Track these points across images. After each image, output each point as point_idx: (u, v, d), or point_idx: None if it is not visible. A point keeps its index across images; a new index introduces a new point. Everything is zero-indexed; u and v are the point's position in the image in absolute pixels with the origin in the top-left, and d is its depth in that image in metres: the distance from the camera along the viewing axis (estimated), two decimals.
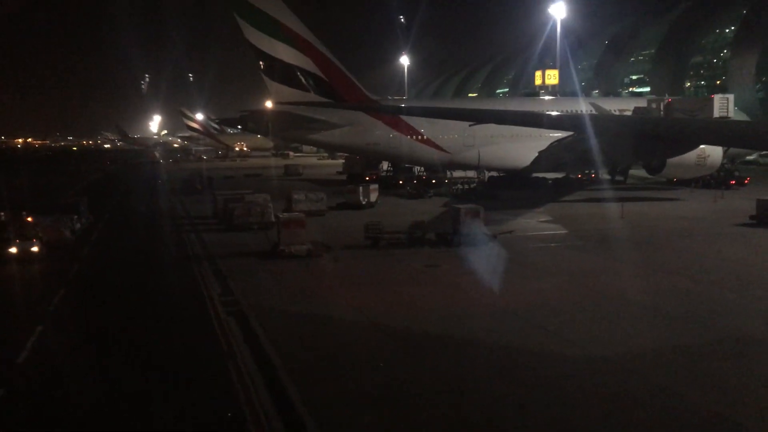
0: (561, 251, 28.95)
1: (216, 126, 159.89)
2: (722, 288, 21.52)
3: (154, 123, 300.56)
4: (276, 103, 54.42)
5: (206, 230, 35.20)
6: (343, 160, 78.94)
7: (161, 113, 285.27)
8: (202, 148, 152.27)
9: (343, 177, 70.97)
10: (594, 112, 50.11)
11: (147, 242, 32.77)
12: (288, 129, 55.26)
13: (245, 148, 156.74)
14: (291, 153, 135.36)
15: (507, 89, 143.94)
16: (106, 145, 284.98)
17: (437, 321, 18.32)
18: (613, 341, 16.35)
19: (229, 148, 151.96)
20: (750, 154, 71.85)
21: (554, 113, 50.24)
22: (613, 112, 51.85)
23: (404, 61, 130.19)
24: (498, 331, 17.33)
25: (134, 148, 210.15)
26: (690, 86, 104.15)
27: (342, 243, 29.87)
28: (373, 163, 66.28)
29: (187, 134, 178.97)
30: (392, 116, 53.48)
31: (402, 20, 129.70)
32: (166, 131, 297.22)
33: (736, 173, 55.99)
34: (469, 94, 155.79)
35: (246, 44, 53.03)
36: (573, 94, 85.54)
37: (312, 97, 52.77)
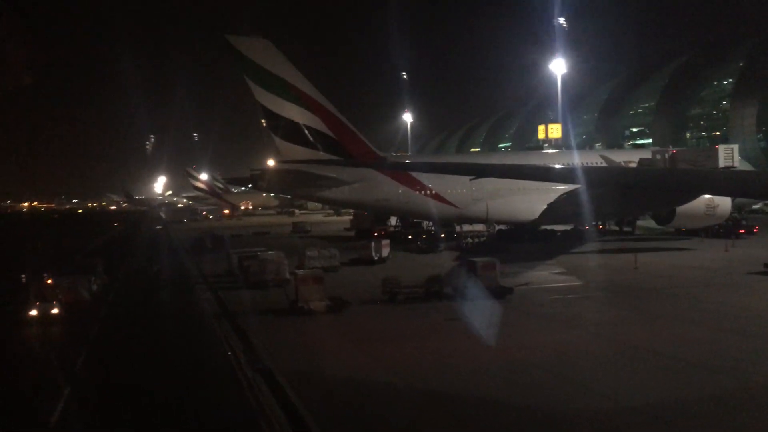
0: (578, 303, 28.98)
1: (221, 185, 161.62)
2: (746, 337, 21.46)
3: (159, 184, 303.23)
4: (284, 161, 55.23)
5: (222, 288, 35.22)
6: (350, 217, 79.72)
7: (166, 174, 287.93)
8: (207, 208, 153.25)
9: (351, 233, 71.50)
10: (604, 164, 50.65)
11: (164, 301, 32.80)
12: (298, 187, 55.90)
13: (250, 207, 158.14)
14: (296, 210, 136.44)
15: (509, 143, 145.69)
16: (111, 207, 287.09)
17: (468, 376, 18.26)
18: (645, 392, 16.27)
19: (235, 206, 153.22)
20: (756, 203, 72.44)
21: (561, 166, 50.92)
22: (622, 164, 52.43)
23: (407, 117, 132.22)
24: (529, 385, 17.27)
25: (139, 209, 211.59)
26: (690, 137, 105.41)
27: (359, 298, 29.91)
28: (381, 218, 66.82)
29: (192, 194, 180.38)
30: (401, 172, 54.13)
31: (405, 76, 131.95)
32: (170, 191, 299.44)
33: (744, 222, 56.25)
34: (472, 149, 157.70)
35: (256, 105, 54.10)
36: (576, 148, 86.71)
37: (321, 155, 53.55)
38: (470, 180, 50.12)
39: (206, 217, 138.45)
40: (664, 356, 19.53)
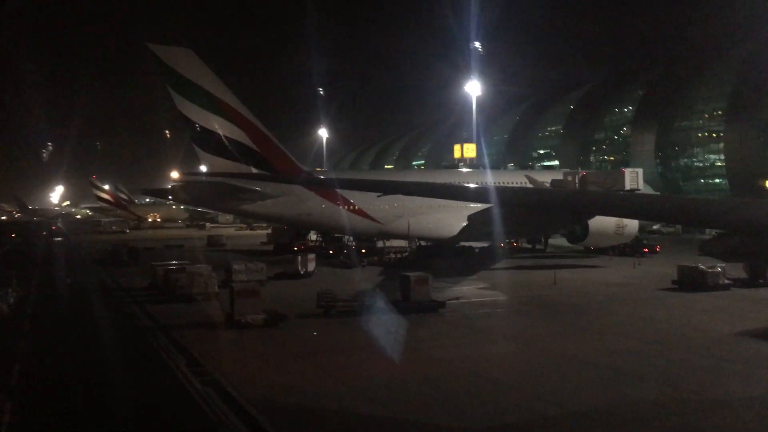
0: (509, 317, 30.15)
1: (125, 196, 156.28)
2: (668, 347, 23.04)
3: (56, 193, 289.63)
4: (205, 173, 54.37)
5: (148, 302, 34.35)
6: (264, 231, 78.86)
7: (64, 183, 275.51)
8: (111, 220, 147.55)
9: (269, 247, 70.96)
10: (529, 183, 52.73)
11: (89, 315, 31.62)
12: (220, 200, 55.00)
13: (158, 219, 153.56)
14: (207, 224, 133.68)
15: (422, 162, 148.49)
16: (2, 217, 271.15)
17: (420, 384, 18.80)
18: (588, 398, 17.26)
19: (142, 219, 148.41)
20: (654, 225, 77.03)
21: (477, 186, 52.54)
22: (545, 183, 54.70)
23: (323, 133, 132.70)
24: (476, 394, 17.93)
25: (34, 220, 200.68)
26: (594, 160, 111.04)
27: (293, 312, 29.91)
28: (301, 233, 66.70)
29: (95, 205, 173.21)
30: (324, 187, 54.33)
31: (321, 92, 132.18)
32: (68, 202, 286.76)
33: (645, 242, 59.81)
34: (386, 166, 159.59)
35: (178, 116, 53.08)
36: (489, 168, 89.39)
37: (244, 167, 53.04)
38: (378, 196, 50.64)
39: (111, 229, 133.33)
40: (599, 366, 20.70)
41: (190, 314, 30.37)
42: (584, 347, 23.37)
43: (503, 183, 59.04)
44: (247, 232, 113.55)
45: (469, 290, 37.27)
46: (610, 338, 24.98)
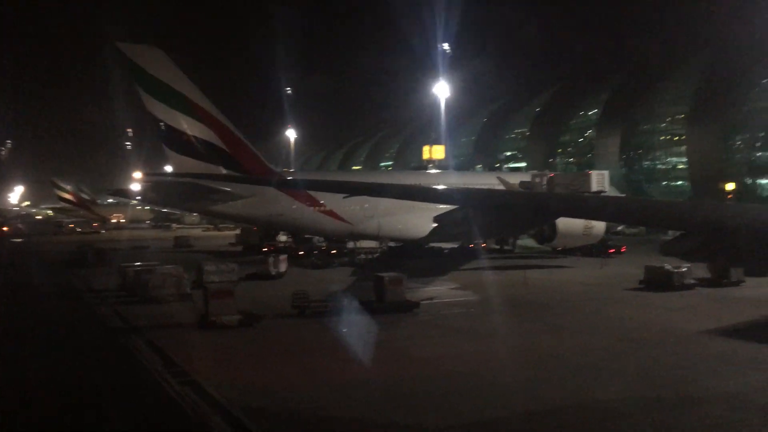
0: (483, 316, 30.50)
1: (87, 197, 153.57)
2: (639, 344, 23.60)
3: (15, 194, 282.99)
4: (171, 174, 53.87)
5: (118, 303, 33.95)
6: (231, 232, 78.01)
7: (24, 183, 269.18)
8: (73, 220, 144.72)
9: (237, 248, 70.47)
10: (501, 185, 53.33)
11: (59, 317, 31.10)
12: (191, 200, 54.56)
13: (122, 220, 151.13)
14: (174, 224, 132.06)
15: (390, 163, 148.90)
16: None
17: (400, 383, 18.99)
18: (568, 394, 17.63)
19: (105, 219, 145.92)
20: (618, 226, 78.38)
21: (443, 188, 52.93)
22: (517, 185, 55.41)
23: (291, 133, 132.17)
24: (457, 392, 18.18)
25: None
26: (560, 162, 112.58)
27: (268, 312, 29.86)
28: (270, 234, 66.41)
29: (57, 205, 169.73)
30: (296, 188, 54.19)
31: (288, 92, 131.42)
32: (28, 202, 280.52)
33: (610, 243, 60.84)
34: (354, 167, 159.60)
35: (147, 115, 52.51)
36: (456, 169, 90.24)
37: (214, 168, 52.65)
38: (343, 197, 50.80)
39: (74, 230, 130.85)
40: (576, 363, 21.12)
41: (163, 315, 30.10)
42: (559, 345, 23.84)
43: (476, 185, 59.61)
44: (214, 233, 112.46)
45: (441, 291, 37.54)
46: (583, 336, 25.47)
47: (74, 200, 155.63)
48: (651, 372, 19.93)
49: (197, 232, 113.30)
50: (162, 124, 51.47)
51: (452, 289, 38.70)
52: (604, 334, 25.58)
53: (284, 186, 53.31)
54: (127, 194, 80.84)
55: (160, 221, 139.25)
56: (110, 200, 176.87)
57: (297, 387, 18.82)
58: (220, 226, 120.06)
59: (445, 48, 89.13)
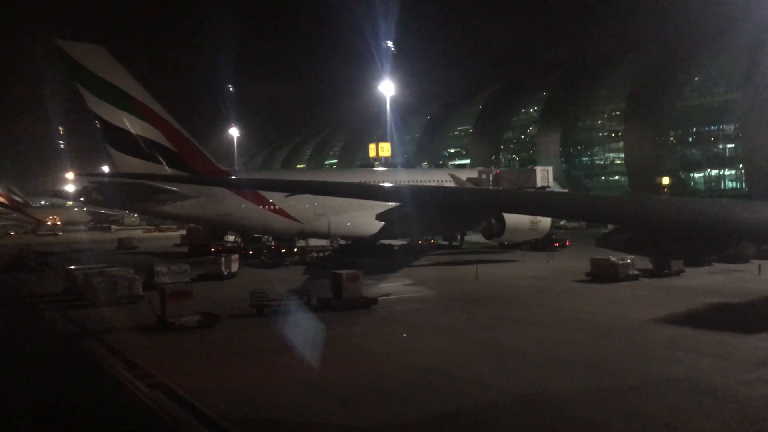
0: (440, 311, 31.07)
1: (19, 198, 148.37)
2: (592, 334, 24.55)
3: None
4: (121, 174, 52.71)
5: (68, 307, 33.19)
6: (176, 232, 76.39)
7: None
8: (6, 223, 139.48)
9: (183, 249, 69.42)
10: (452, 182, 54.15)
11: (8, 323, 30.33)
12: (137, 201, 53.51)
13: (58, 222, 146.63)
14: (113, 226, 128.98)
15: (335, 161, 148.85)
16: None
17: (367, 377, 19.33)
18: (527, 383, 18.29)
19: (41, 222, 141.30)
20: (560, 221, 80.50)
21: (390, 185, 53.37)
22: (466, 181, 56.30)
23: (234, 132, 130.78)
24: (421, 384, 18.64)
25: None
26: (503, 159, 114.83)
27: (225, 312, 29.77)
28: (218, 234, 65.69)
29: None
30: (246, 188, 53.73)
31: (231, 88, 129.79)
32: None
33: (553, 236, 62.51)
34: (298, 165, 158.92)
35: (89, 114, 51.27)
36: (404, 166, 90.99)
37: (160, 168, 51.80)
38: (285, 196, 50.84)
39: (7, 233, 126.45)
40: (532, 353, 21.92)
41: (118, 318, 29.68)
42: (515, 337, 24.59)
43: (429, 181, 60.37)
44: (156, 234, 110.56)
45: (396, 287, 38.02)
46: (536, 327, 26.32)
47: (6, 202, 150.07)
48: (606, 360, 20.79)
49: (138, 233, 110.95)
50: (110, 124, 50.36)
51: (406, 285, 39.23)
52: (557, 326, 26.46)
53: (234, 187, 52.74)
54: (66, 195, 78.25)
55: (99, 223, 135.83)
56: (43, 202, 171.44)
57: (265, 386, 18.93)
58: (162, 227, 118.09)
59: (389, 46, 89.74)
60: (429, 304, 32.93)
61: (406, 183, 57.51)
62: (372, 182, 56.97)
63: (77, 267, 39.46)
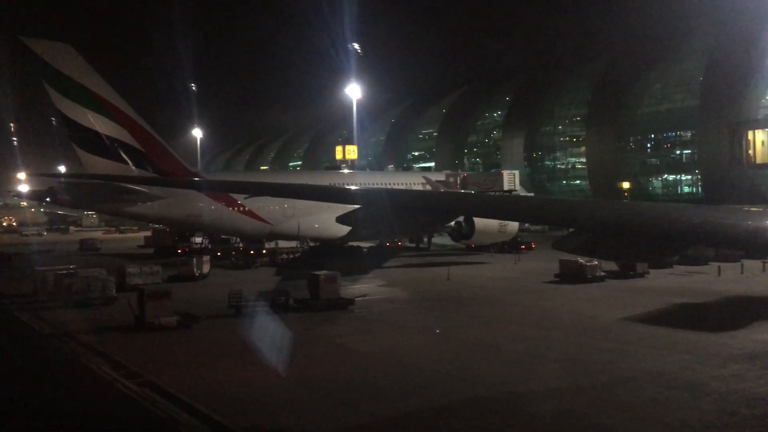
0: (416, 311, 31.59)
1: None
2: (568, 333, 25.32)
3: None
4: (76, 175, 52.06)
5: (40, 309, 32.73)
6: (136, 234, 75.04)
7: None
8: None
9: (147, 251, 68.65)
10: (427, 184, 54.85)
11: None
12: (104, 201, 52.90)
13: (14, 223, 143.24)
14: (72, 227, 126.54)
15: (299, 163, 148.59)
16: None
17: (354, 374, 19.70)
18: (514, 379, 18.88)
19: None
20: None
21: (355, 188, 53.67)
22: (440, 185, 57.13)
23: (197, 132, 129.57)
24: (409, 381, 19.07)
25: None
26: (467, 162, 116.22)
27: (203, 313, 29.72)
28: (185, 235, 65.21)
29: None
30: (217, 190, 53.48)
31: (194, 88, 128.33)
32: None
33: (519, 239, 63.64)
34: (261, 167, 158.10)
35: (55, 113, 50.62)
36: (371, 169, 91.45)
37: (127, 168, 51.32)
38: (245, 198, 50.89)
39: None
40: (511, 350, 22.60)
41: (94, 319, 29.45)
42: (493, 335, 25.24)
43: (403, 185, 61.00)
44: (117, 235, 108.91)
45: (370, 288, 38.42)
46: (513, 326, 26.99)
47: None
48: (583, 357, 21.55)
49: (98, 234, 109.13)
50: (76, 123, 49.69)
51: (380, 286, 39.64)
52: (532, 325, 27.20)
53: (206, 189, 52.33)
54: (28, 195, 76.38)
55: (57, 224, 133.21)
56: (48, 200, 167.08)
57: (255, 384, 19.13)
58: (122, 228, 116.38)
59: (354, 47, 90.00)
60: (405, 305, 33.43)
61: (378, 186, 58.02)
62: (344, 185, 57.42)
63: (47, 268, 38.92)
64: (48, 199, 64.38)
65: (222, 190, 52.64)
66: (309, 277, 32.34)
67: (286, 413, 16.56)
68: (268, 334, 25.94)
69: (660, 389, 17.85)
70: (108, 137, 51.04)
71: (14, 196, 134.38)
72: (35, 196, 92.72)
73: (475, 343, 24.06)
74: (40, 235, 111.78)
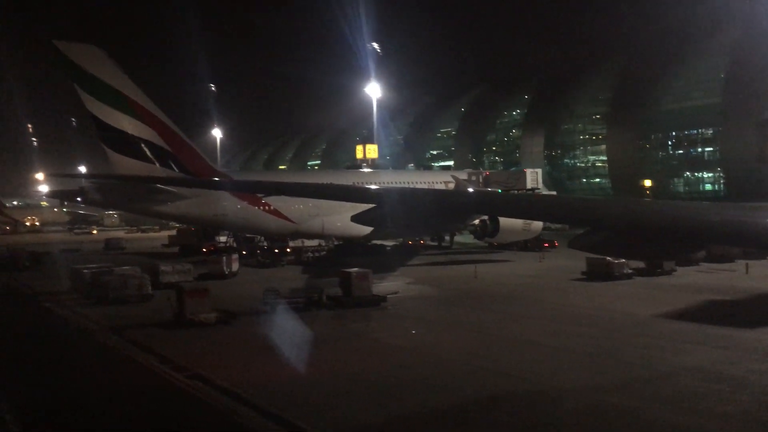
0: (447, 308, 32.00)
1: None
2: (603, 329, 25.60)
3: None
4: (94, 175, 52.91)
5: (78, 305, 33.55)
6: (158, 233, 75.75)
7: None
8: None
9: (172, 250, 69.54)
10: (454, 183, 55.32)
11: (24, 320, 30.62)
12: (134, 201, 53.81)
13: (37, 223, 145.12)
14: (94, 227, 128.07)
15: (318, 162, 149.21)
16: None
17: (403, 371, 20.19)
18: (554, 373, 19.25)
19: (18, 222, 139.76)
20: None
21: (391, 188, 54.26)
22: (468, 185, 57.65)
23: (216, 132, 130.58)
24: (466, 374, 19.51)
25: None
26: (486, 161, 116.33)
27: (239, 309, 30.30)
28: (208, 234, 65.95)
29: None
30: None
31: (213, 88, 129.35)
32: None
33: (541, 237, 63.76)
34: (280, 166, 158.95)
35: (87, 115, 51.53)
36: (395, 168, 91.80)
37: (156, 168, 52.17)
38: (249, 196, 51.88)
39: None
40: (548, 346, 22.94)
41: (133, 316, 30.15)
42: (529, 331, 25.60)
43: (432, 184, 61.70)
44: (139, 234, 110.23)
45: (399, 285, 38.75)
46: (546, 323, 27.28)
47: None
48: (620, 352, 21.87)
49: (120, 234, 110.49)
50: (105, 124, 50.58)
51: (409, 283, 40.02)
52: (565, 321, 27.46)
53: (240, 190, 52.64)
54: (68, 195, 77.13)
55: (77, 223, 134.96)
56: (15, 202, 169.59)
57: (300, 378, 19.66)
58: (143, 227, 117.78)
59: (374, 47, 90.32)
60: (437, 302, 33.82)
61: (410, 185, 58.95)
62: (378, 184, 58.29)
63: (84, 266, 39.76)
64: (79, 199, 65.32)
65: (247, 191, 53.25)
66: (341, 275, 32.84)
67: (335, 404, 17.04)
68: (306, 330, 26.46)
69: (700, 383, 18.15)
70: (136, 138, 51.91)
71: (45, 195, 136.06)
72: (63, 196, 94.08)
73: (511, 339, 24.43)
74: (90, 233, 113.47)
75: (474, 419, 16.03)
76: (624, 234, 12.87)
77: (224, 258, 45.14)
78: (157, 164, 52.36)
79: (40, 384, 19.65)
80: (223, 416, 16.07)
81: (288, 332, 26.27)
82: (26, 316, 32.19)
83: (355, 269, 32.82)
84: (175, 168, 52.78)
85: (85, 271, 37.31)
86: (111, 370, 21.01)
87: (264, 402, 16.68)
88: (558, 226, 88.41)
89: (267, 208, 55.97)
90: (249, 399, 16.96)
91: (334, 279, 33.78)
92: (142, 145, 52.10)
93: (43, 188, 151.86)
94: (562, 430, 15.22)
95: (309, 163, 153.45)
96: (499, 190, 58.53)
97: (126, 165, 51.59)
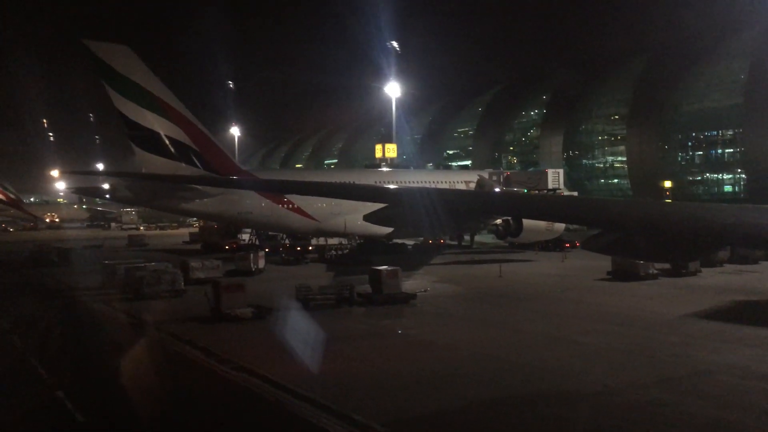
0: (476, 305, 32.45)
1: (13, 194, 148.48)
2: (634, 328, 25.92)
3: None
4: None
5: (113, 300, 34.22)
6: (177, 230, 76.43)
7: None
8: (2, 219, 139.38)
9: (193, 246, 70.47)
10: (481, 182, 55.74)
11: (62, 314, 31.34)
12: (160, 198, 54.59)
13: (56, 219, 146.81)
14: (113, 224, 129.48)
15: (335, 160, 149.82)
16: None
17: (443, 366, 20.64)
18: (594, 370, 19.63)
19: (39, 219, 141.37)
20: None
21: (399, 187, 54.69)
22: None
23: (234, 131, 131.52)
24: (493, 370, 19.93)
25: None
26: (504, 161, 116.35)
27: (272, 305, 30.82)
28: (230, 232, 66.68)
29: None
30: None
31: (231, 86, 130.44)
32: None
33: (561, 237, 63.95)
34: (297, 165, 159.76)
35: (115, 113, 52.31)
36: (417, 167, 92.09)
37: (183, 167, 52.87)
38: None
39: (5, 229, 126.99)
40: (582, 344, 23.30)
41: (169, 310, 30.82)
42: (562, 329, 25.94)
43: (450, 183, 62.16)
44: (158, 232, 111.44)
45: (424, 284, 39.18)
46: (576, 321, 27.63)
47: (4, 198, 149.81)
48: (654, 350, 22.18)
49: (140, 231, 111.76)
50: (134, 122, 51.38)
51: (434, 282, 40.42)
52: (595, 319, 27.78)
53: (268, 190, 53.11)
54: (91, 192, 78.41)
55: (97, 220, 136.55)
56: (33, 199, 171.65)
57: (344, 371, 20.13)
58: (161, 225, 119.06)
59: (393, 45, 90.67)
60: (465, 300, 34.24)
61: (433, 185, 59.53)
62: (405, 184, 58.86)
63: (118, 262, 40.51)
64: (108, 196, 66.42)
65: (272, 190, 53.81)
66: (371, 272, 33.33)
67: (382, 398, 17.48)
68: (341, 325, 27.01)
69: (736, 380, 18.49)
70: (164, 136, 52.66)
71: (71, 191, 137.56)
72: (89, 193, 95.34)
73: (544, 336, 24.80)
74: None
75: (520, 411, 16.43)
76: (634, 235, 12.65)
77: (251, 255, 45.76)
78: (183, 162, 53.08)
79: (105, 379, 20.27)
80: (275, 406, 16.57)
81: (323, 328, 26.73)
82: (65, 310, 32.81)
83: (385, 267, 33.29)
84: (200, 166, 53.49)
85: (119, 266, 38.02)
86: (160, 361, 21.57)
87: (314, 394, 17.15)
88: (575, 226, 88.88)
89: (290, 206, 56.57)
90: (299, 391, 17.44)
91: (361, 277, 34.27)
92: (169, 143, 52.83)
93: (60, 185, 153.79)
94: (610, 423, 15.51)
95: (326, 161, 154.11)
96: (525, 190, 58.87)
97: (154, 162, 52.35)
